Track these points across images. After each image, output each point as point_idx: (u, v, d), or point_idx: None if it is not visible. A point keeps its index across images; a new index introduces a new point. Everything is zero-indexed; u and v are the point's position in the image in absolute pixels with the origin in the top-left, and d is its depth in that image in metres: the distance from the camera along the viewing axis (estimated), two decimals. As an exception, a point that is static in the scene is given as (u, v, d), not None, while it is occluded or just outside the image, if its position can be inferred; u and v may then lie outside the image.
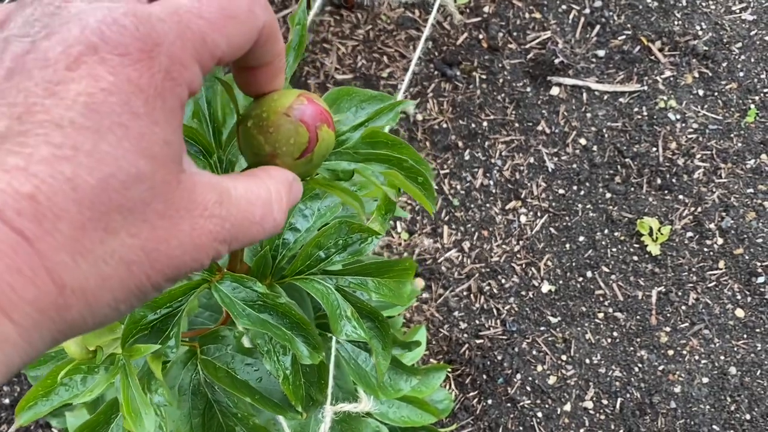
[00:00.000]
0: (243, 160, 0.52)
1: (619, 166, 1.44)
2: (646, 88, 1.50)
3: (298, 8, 0.43)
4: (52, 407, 0.62)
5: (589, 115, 1.49)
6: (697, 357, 1.28)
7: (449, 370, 1.30)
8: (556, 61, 1.52)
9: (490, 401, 1.28)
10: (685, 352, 1.29)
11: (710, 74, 1.49)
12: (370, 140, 0.47)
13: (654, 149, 1.44)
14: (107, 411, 0.63)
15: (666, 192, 1.41)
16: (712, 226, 1.37)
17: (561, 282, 1.36)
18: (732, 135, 1.44)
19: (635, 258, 1.36)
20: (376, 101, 0.63)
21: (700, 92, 1.48)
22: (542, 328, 1.33)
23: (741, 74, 1.49)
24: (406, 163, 0.46)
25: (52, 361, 0.70)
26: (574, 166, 1.45)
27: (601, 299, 1.34)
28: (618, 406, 1.26)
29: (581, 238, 1.39)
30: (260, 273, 0.61)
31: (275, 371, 0.59)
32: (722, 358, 1.27)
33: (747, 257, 1.34)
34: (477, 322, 1.34)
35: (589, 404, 1.27)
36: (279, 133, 0.35)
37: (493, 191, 1.45)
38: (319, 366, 0.62)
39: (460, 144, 1.48)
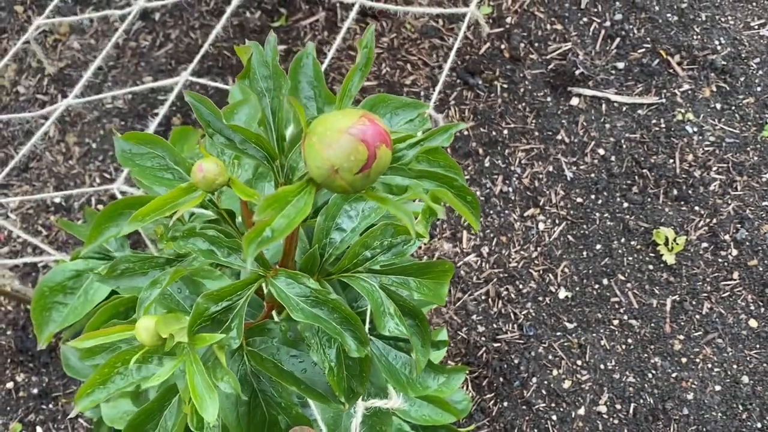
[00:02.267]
0: (302, 165, 0.56)
1: (636, 177, 1.47)
2: (664, 100, 1.53)
3: (366, 32, 0.47)
4: (109, 395, 0.66)
5: (608, 125, 1.52)
6: (710, 365, 1.31)
7: (467, 372, 1.33)
8: (577, 72, 1.56)
9: (506, 403, 1.31)
10: (698, 360, 1.31)
11: (728, 88, 1.53)
12: (428, 158, 0.50)
13: (671, 161, 1.47)
14: (161, 399, 0.66)
15: (682, 203, 1.44)
16: (726, 237, 1.40)
17: (577, 289, 1.39)
18: (748, 148, 1.47)
19: (651, 267, 1.39)
20: (409, 108, 0.67)
21: (718, 106, 1.51)
22: (558, 334, 1.36)
23: (758, 89, 1.52)
24: (456, 183, 0.50)
25: (106, 351, 0.74)
26: (593, 175, 1.48)
27: (617, 306, 1.37)
28: (631, 411, 1.29)
29: (598, 246, 1.42)
30: (308, 270, 0.64)
31: (321, 363, 0.63)
32: (735, 366, 1.30)
33: (761, 269, 1.37)
34: (495, 325, 1.37)
35: (602, 409, 1.30)
36: (341, 150, 0.39)
37: (512, 198, 1.48)
38: (362, 360, 0.65)
39: (481, 151, 1.52)
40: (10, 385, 1.42)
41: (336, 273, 0.63)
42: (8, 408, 1.41)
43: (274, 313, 0.73)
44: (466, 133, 1.53)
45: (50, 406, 1.40)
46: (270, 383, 0.70)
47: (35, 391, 1.42)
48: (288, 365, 0.67)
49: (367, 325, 0.78)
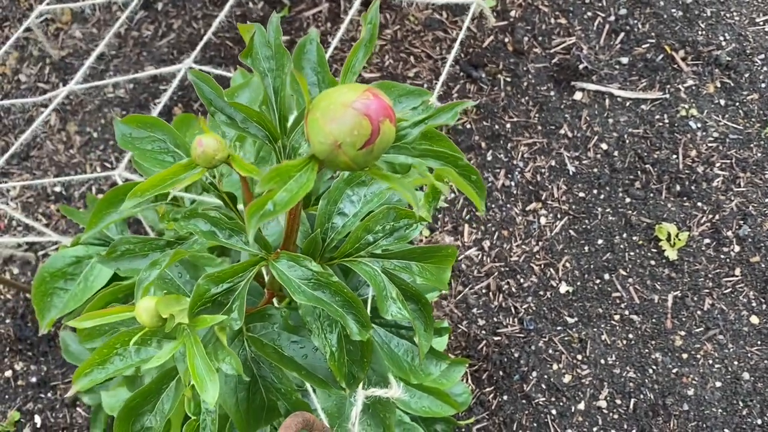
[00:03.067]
0: (305, 147, 0.55)
1: (639, 172, 1.46)
2: (668, 96, 1.52)
3: (371, 7, 0.46)
4: (107, 375, 0.65)
5: (611, 120, 1.51)
6: (710, 361, 1.30)
7: (467, 364, 1.33)
8: (580, 66, 1.55)
9: (505, 397, 1.31)
10: (699, 356, 1.31)
11: (732, 84, 1.52)
12: (431, 144, 0.49)
13: (674, 156, 1.47)
14: (159, 382, 0.66)
15: (685, 199, 1.43)
16: (729, 233, 1.39)
17: (579, 283, 1.38)
18: (752, 145, 1.47)
19: (652, 262, 1.39)
20: (413, 96, 0.67)
21: (722, 102, 1.51)
22: (559, 328, 1.35)
23: (763, 85, 1.51)
24: (461, 162, 0.49)
25: (106, 335, 0.73)
26: (595, 170, 1.47)
27: (618, 301, 1.36)
28: (631, 406, 1.28)
29: (600, 241, 1.41)
30: (310, 254, 0.64)
31: (322, 347, 0.62)
32: (736, 363, 1.30)
33: (763, 265, 1.36)
34: (495, 319, 1.37)
35: (602, 403, 1.29)
36: (344, 124, 0.38)
37: (515, 192, 1.47)
38: (363, 345, 0.65)
39: (483, 145, 1.51)
40: (8, 373, 1.42)
41: (338, 257, 0.62)
42: (6, 396, 1.40)
43: (274, 300, 0.73)
44: (468, 126, 1.53)
45: (49, 394, 1.40)
46: (270, 369, 0.69)
47: (34, 379, 1.41)
48: (289, 351, 0.66)
49: (368, 309, 0.77)
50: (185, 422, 0.81)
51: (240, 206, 0.70)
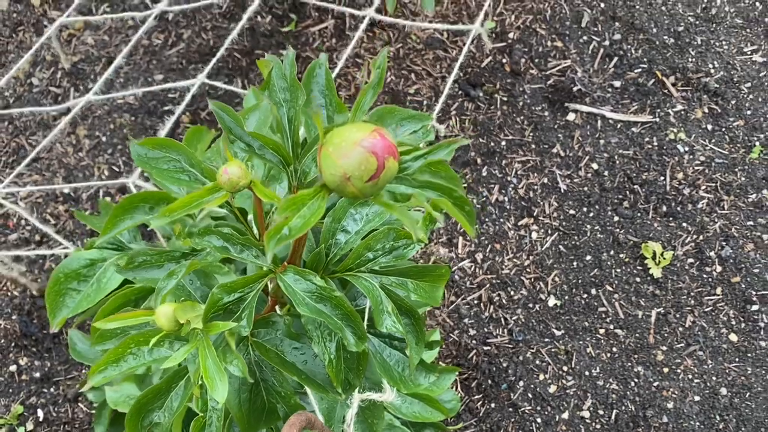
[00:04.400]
0: (314, 171, 0.61)
1: (627, 192, 1.52)
2: (657, 119, 1.58)
3: (380, 55, 0.52)
4: (120, 373, 0.71)
5: (602, 141, 1.57)
6: (690, 376, 1.36)
7: (457, 373, 1.38)
8: (574, 88, 1.61)
9: (493, 405, 1.36)
10: (679, 371, 1.37)
11: (719, 110, 1.58)
12: (431, 169, 0.55)
13: (662, 178, 1.53)
14: (169, 381, 0.71)
15: (671, 219, 1.49)
16: (712, 254, 1.45)
17: (566, 297, 1.44)
18: (736, 169, 1.53)
19: (638, 279, 1.44)
20: (415, 120, 0.72)
21: (709, 127, 1.57)
22: (546, 340, 1.41)
23: (748, 112, 1.58)
24: (455, 193, 0.55)
25: (117, 337, 0.78)
26: (586, 189, 1.53)
27: (603, 316, 1.42)
28: (613, 417, 1.34)
29: (588, 258, 1.47)
30: (314, 267, 0.69)
31: (322, 355, 0.67)
32: (714, 378, 1.35)
33: (743, 285, 1.42)
34: (485, 329, 1.42)
35: (586, 414, 1.35)
36: (353, 160, 0.44)
37: (508, 207, 1.53)
38: (359, 355, 0.70)
39: (479, 161, 1.57)
40: (13, 368, 1.47)
41: (340, 271, 0.68)
42: (11, 390, 1.45)
43: (277, 308, 0.78)
44: (465, 143, 1.58)
45: (51, 389, 1.45)
46: (271, 373, 0.75)
47: (37, 374, 1.46)
48: (290, 356, 0.71)
49: (365, 323, 0.83)
50: (185, 423, 0.86)
51: (250, 217, 0.75)
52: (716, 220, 1.48)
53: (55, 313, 0.95)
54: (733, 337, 1.39)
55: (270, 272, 0.63)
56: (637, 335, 1.40)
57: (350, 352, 0.69)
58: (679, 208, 1.50)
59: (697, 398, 1.34)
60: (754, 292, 1.41)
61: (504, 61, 1.65)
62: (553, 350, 1.40)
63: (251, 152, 0.56)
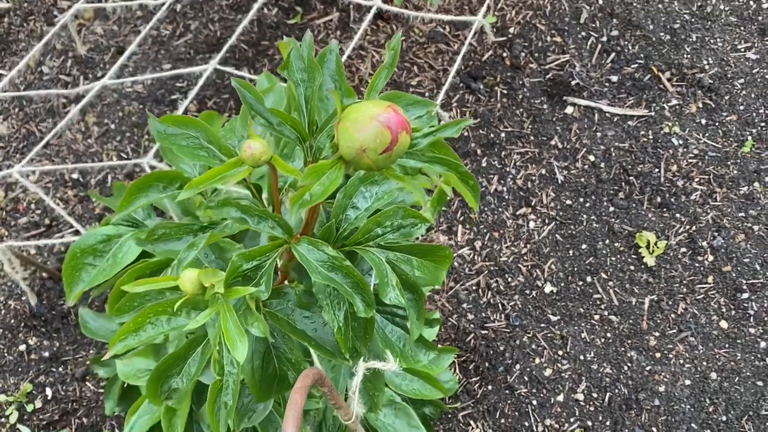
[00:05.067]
0: (328, 147, 0.65)
1: (623, 183, 1.56)
2: (653, 113, 1.63)
3: (394, 37, 0.56)
4: (140, 342, 0.75)
5: (599, 134, 1.61)
6: (681, 361, 1.41)
7: (456, 353, 1.43)
8: (573, 82, 1.65)
9: (490, 387, 1.41)
10: (671, 356, 1.41)
11: (713, 105, 1.62)
12: (434, 151, 0.59)
13: (656, 170, 1.57)
14: (187, 348, 0.75)
15: (665, 210, 1.53)
16: (704, 243, 1.50)
17: (562, 284, 1.48)
18: (729, 162, 1.57)
19: (632, 267, 1.49)
20: (420, 105, 0.77)
21: (703, 121, 1.61)
22: (542, 325, 1.45)
23: (741, 107, 1.62)
24: (461, 169, 0.59)
25: (135, 309, 0.82)
26: (582, 180, 1.57)
27: (598, 303, 1.46)
28: (607, 399, 1.38)
29: (584, 246, 1.51)
30: (324, 240, 0.73)
31: (331, 322, 0.72)
32: (705, 363, 1.40)
33: (734, 274, 1.47)
34: (483, 314, 1.47)
35: (580, 396, 1.39)
36: (369, 133, 0.48)
37: (506, 197, 1.57)
38: (366, 324, 0.74)
39: (479, 152, 1.61)
40: (22, 347, 1.51)
41: (349, 245, 0.72)
42: (20, 369, 1.49)
43: (286, 282, 0.82)
44: (465, 134, 1.63)
45: (60, 369, 1.49)
46: (283, 341, 0.79)
47: (46, 354, 1.50)
48: (301, 324, 0.75)
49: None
50: (194, 400, 0.90)
51: (264, 195, 0.79)
52: (709, 211, 1.53)
53: (71, 287, 0.99)
54: (724, 324, 1.43)
55: (285, 242, 0.67)
56: (630, 321, 1.44)
57: (358, 320, 0.73)
58: (672, 200, 1.54)
59: (687, 382, 1.39)
60: (744, 281, 1.46)
61: (504, 55, 1.69)
62: (548, 335, 1.44)
63: (270, 128, 0.60)
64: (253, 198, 0.76)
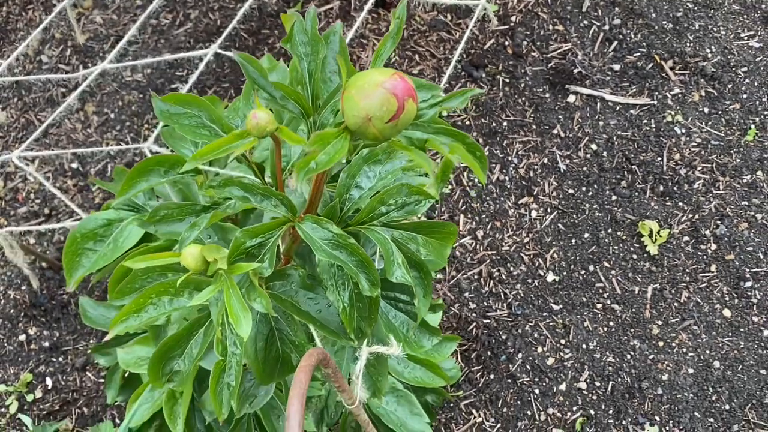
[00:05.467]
0: (332, 123, 0.64)
1: (625, 172, 1.56)
2: (655, 102, 1.62)
3: (399, 5, 0.55)
4: (141, 323, 0.74)
5: (601, 123, 1.61)
6: (684, 350, 1.40)
7: (458, 342, 1.42)
8: (575, 71, 1.64)
9: (492, 376, 1.40)
10: (674, 345, 1.40)
11: (716, 94, 1.62)
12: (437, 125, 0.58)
13: (659, 159, 1.56)
14: (189, 329, 0.74)
15: (667, 198, 1.53)
16: (707, 232, 1.49)
17: (565, 273, 1.48)
18: (732, 151, 1.57)
19: (634, 256, 1.48)
20: (425, 89, 0.76)
21: (706, 110, 1.61)
22: (545, 314, 1.44)
23: (744, 96, 1.61)
24: (468, 140, 0.58)
25: (136, 291, 0.81)
26: (585, 168, 1.57)
27: (601, 291, 1.46)
28: (609, 388, 1.38)
29: (586, 235, 1.51)
30: (329, 220, 0.72)
31: (336, 302, 0.71)
32: (708, 352, 1.39)
33: (737, 263, 1.46)
34: (485, 303, 1.46)
35: (583, 385, 1.38)
36: (375, 100, 0.47)
37: (508, 186, 1.56)
38: (371, 303, 0.73)
39: (481, 141, 1.60)
40: (22, 337, 1.50)
41: (353, 224, 0.71)
42: (20, 359, 1.48)
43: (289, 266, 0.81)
44: (467, 123, 1.62)
45: (60, 358, 1.48)
46: (286, 323, 0.78)
47: (46, 344, 1.49)
48: (305, 306, 0.75)
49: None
50: (195, 387, 0.89)
51: (267, 177, 0.78)
52: (712, 200, 1.52)
53: (71, 272, 0.98)
54: (727, 313, 1.43)
55: (289, 221, 0.66)
56: (633, 310, 1.44)
57: (363, 300, 0.72)
58: (675, 188, 1.53)
59: (691, 371, 1.38)
60: (747, 270, 1.45)
61: (506, 43, 1.68)
62: (551, 324, 1.44)
63: (273, 102, 0.59)
64: (255, 177, 0.75)
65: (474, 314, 1.45)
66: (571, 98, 1.63)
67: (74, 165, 1.63)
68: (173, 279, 0.72)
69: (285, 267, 0.77)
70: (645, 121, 1.60)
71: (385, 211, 0.72)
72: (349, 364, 0.89)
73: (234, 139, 0.58)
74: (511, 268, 1.49)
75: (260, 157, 0.82)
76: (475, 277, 1.48)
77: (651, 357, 1.40)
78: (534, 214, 1.53)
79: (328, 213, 0.71)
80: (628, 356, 1.40)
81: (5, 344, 1.49)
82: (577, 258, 1.49)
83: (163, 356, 0.75)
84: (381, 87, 0.47)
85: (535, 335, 1.43)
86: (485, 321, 1.44)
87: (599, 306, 1.45)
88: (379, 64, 0.53)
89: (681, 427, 1.34)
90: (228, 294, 0.60)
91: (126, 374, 1.21)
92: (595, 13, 1.72)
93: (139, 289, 0.81)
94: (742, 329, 1.41)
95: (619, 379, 1.38)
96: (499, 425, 1.36)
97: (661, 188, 1.54)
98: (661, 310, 1.44)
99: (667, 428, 1.34)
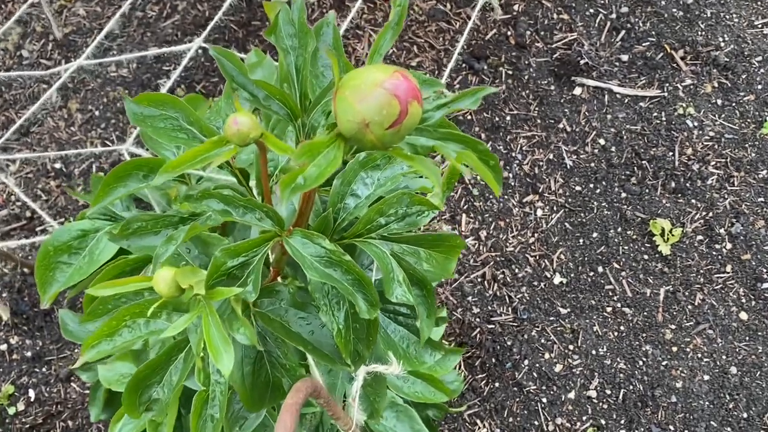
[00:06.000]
0: (323, 126, 0.56)
1: (635, 168, 1.48)
2: (666, 94, 1.54)
3: (400, -12, 0.47)
4: (115, 347, 0.66)
5: (609, 116, 1.53)
6: (699, 355, 1.33)
7: (463, 354, 1.35)
8: (581, 62, 1.57)
9: (497, 384, 1.33)
10: (688, 350, 1.34)
11: (729, 85, 1.54)
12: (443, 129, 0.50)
13: (670, 153, 1.49)
14: (168, 353, 0.67)
15: (679, 195, 1.45)
16: (722, 231, 1.42)
17: (572, 275, 1.41)
18: (746, 145, 1.49)
19: (646, 257, 1.41)
20: (426, 85, 0.68)
21: (719, 102, 1.53)
22: (552, 318, 1.37)
23: (759, 87, 1.54)
24: (481, 146, 0.50)
25: (110, 312, 0.74)
26: (592, 164, 1.49)
27: (611, 294, 1.39)
28: (621, 396, 1.31)
29: (594, 235, 1.43)
30: (321, 232, 0.65)
31: (330, 324, 0.64)
32: (724, 357, 1.33)
33: (754, 263, 1.39)
34: (489, 308, 1.39)
35: (593, 393, 1.32)
36: (373, 103, 0.40)
37: (512, 184, 1.49)
38: (369, 324, 0.66)
39: (483, 136, 1.53)
40: (3, 347, 1.43)
41: (349, 237, 0.64)
42: (1, 370, 1.41)
43: (279, 279, 0.74)
44: (469, 117, 1.54)
45: (43, 369, 1.41)
46: (276, 344, 0.71)
47: (29, 354, 1.42)
48: (296, 326, 0.67)
49: (371, 296, 0.78)
50: (182, 403, 0.82)
51: (252, 183, 0.71)
52: (726, 197, 1.45)
53: (45, 288, 0.91)
54: (744, 316, 1.36)
55: (276, 235, 0.59)
56: (645, 314, 1.37)
57: (359, 321, 0.65)
58: (688, 184, 1.46)
59: (706, 377, 1.31)
60: (764, 270, 1.38)
61: (509, 33, 1.60)
62: (558, 329, 1.37)
63: (256, 103, 0.52)
64: (239, 185, 0.67)
65: (478, 319, 1.38)
66: (578, 90, 1.55)
67: (57, 165, 1.55)
68: (150, 299, 0.65)
69: (273, 283, 0.69)
70: (655, 114, 1.53)
71: (384, 222, 0.65)
72: (345, 384, 0.82)
73: (211, 147, 0.51)
74: (516, 270, 1.42)
75: (246, 161, 0.75)
76: (479, 279, 1.41)
77: (664, 363, 1.33)
78: (539, 212, 1.46)
79: (320, 225, 0.64)
80: (640, 362, 1.33)
81: (-14, 355, 1.42)
82: (586, 259, 1.42)
83: (140, 384, 0.68)
84: (380, 87, 0.39)
85: (542, 341, 1.36)
86: (489, 326, 1.37)
87: (609, 309, 1.38)
88: (377, 59, 0.46)
89: (697, 438, 1.27)
90: (207, 323, 0.53)
91: (110, 390, 1.14)
92: (602, 1, 1.64)
93: (113, 311, 0.74)
94: (759, 333, 1.34)
95: (631, 387, 1.31)
96: (505, 436, 1.30)
97: (673, 184, 1.46)
98: (675, 313, 1.37)
99: (683, 438, 1.27)
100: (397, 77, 0.40)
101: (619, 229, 1.43)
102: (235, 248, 0.55)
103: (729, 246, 1.41)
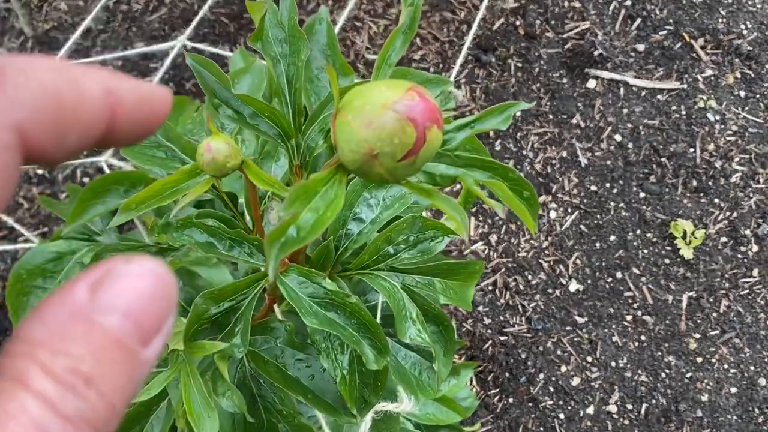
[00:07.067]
0: (321, 146, 0.48)
1: (654, 165, 1.40)
2: (685, 86, 1.45)
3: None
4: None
5: (625, 110, 1.44)
6: (726, 366, 1.25)
7: (474, 368, 1.27)
8: (595, 53, 1.47)
9: (511, 400, 1.25)
10: (714, 360, 1.25)
11: (753, 75, 1.45)
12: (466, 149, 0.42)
13: (691, 150, 1.40)
14: (149, 403, 0.59)
15: (702, 194, 1.37)
16: (747, 232, 1.33)
17: (589, 281, 1.32)
18: (772, 140, 1.40)
19: (667, 261, 1.32)
20: (432, 84, 0.59)
21: (742, 93, 1.44)
22: (568, 328, 1.29)
23: (785, 77, 1.45)
24: (512, 174, 0.41)
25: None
26: (608, 162, 1.40)
27: (630, 301, 1.30)
28: (643, 411, 1.23)
29: (612, 238, 1.35)
30: (321, 264, 0.57)
31: (332, 370, 0.55)
32: (752, 368, 1.24)
33: (782, 266, 1.31)
34: (501, 318, 1.30)
35: (613, 408, 1.24)
36: (383, 130, 0.31)
37: (523, 184, 1.40)
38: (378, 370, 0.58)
39: (492, 133, 1.44)
40: (-14, 365, 1.35)
41: (353, 269, 0.55)
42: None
43: (275, 306, 0.66)
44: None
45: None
46: (271, 388, 0.62)
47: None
48: (293, 370, 0.59)
49: (378, 319, 0.71)
50: None
51: (241, 200, 0.62)
52: (751, 195, 1.36)
53: (18, 314, 0.82)
54: (772, 323, 1.28)
55: (267, 274, 0.50)
56: (667, 322, 1.28)
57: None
58: (710, 183, 1.37)
59: (734, 390, 1.23)
60: (794, 274, 1.30)
61: (517, 23, 1.51)
62: (575, 339, 1.28)
63: (241, 122, 0.43)
64: (226, 209, 0.59)
65: (489, 330, 1.29)
66: (591, 83, 1.46)
67: (40, 171, 1.46)
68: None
69: (267, 319, 0.61)
70: (674, 108, 1.44)
71: (393, 252, 0.56)
72: (351, 426, 0.74)
73: (184, 177, 0.42)
74: (530, 277, 1.33)
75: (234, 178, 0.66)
76: (490, 288, 1.33)
77: (689, 375, 1.25)
78: (553, 214, 1.38)
79: (320, 255, 0.55)
80: (663, 375, 1.25)
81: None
82: (603, 264, 1.33)
83: (117, 436, 0.60)
84: (391, 110, 0.30)
85: (558, 352, 1.27)
86: (502, 338, 1.29)
87: (629, 318, 1.29)
88: (386, 71, 0.37)
89: (725, 455, 1.19)
90: (186, 384, 0.45)
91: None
92: (615, -12, 1.54)
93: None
94: (790, 341, 1.26)
95: (654, 401, 1.23)
96: (520, 456, 1.22)
97: (695, 183, 1.37)
98: (699, 321, 1.28)
99: (710, 456, 1.19)
100: (412, 96, 0.31)
101: (638, 232, 1.35)
102: (219, 293, 0.47)
103: (755, 248, 1.32)
